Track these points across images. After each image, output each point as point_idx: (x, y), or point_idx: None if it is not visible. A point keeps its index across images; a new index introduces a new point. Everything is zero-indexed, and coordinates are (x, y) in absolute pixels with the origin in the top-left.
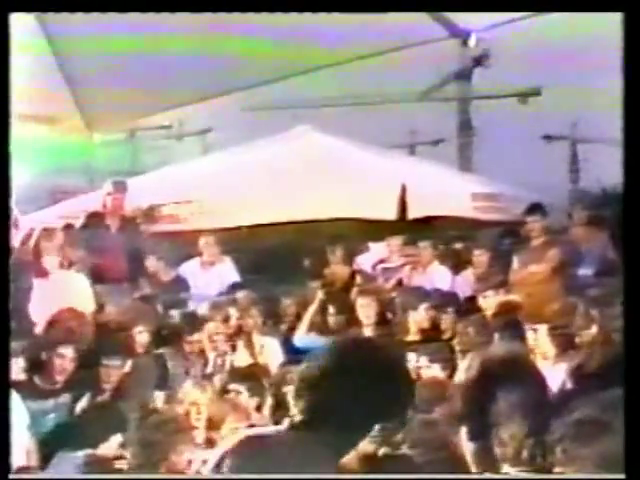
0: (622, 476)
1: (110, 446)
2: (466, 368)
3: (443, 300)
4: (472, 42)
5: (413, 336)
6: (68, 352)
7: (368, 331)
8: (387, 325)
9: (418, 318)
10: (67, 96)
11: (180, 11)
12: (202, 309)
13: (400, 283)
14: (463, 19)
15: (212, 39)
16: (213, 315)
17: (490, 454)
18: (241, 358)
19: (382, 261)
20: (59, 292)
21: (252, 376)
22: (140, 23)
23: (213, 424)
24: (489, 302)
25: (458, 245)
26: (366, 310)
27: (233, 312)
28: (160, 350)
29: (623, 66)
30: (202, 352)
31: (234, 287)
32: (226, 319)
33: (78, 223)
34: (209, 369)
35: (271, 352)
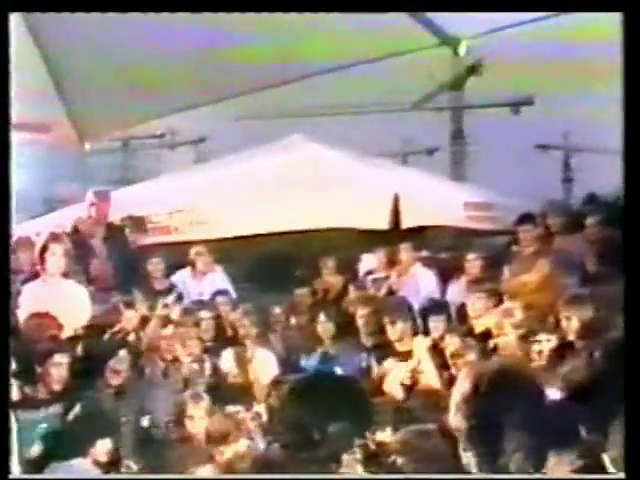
0: (622, 476)
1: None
2: (459, 383)
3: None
4: (462, 50)
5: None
6: (64, 360)
7: (365, 340)
8: (383, 334)
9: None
10: (58, 104)
11: (174, 11)
12: (176, 314)
13: (391, 291)
14: (454, 27)
15: (205, 46)
16: (188, 320)
17: (489, 466)
18: (229, 367)
19: (370, 272)
20: (55, 299)
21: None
22: (132, 31)
23: (214, 440)
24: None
25: (450, 254)
26: (363, 319)
27: (209, 321)
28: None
29: (623, 66)
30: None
31: (223, 295)
32: (214, 324)
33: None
34: (185, 374)
35: (263, 363)
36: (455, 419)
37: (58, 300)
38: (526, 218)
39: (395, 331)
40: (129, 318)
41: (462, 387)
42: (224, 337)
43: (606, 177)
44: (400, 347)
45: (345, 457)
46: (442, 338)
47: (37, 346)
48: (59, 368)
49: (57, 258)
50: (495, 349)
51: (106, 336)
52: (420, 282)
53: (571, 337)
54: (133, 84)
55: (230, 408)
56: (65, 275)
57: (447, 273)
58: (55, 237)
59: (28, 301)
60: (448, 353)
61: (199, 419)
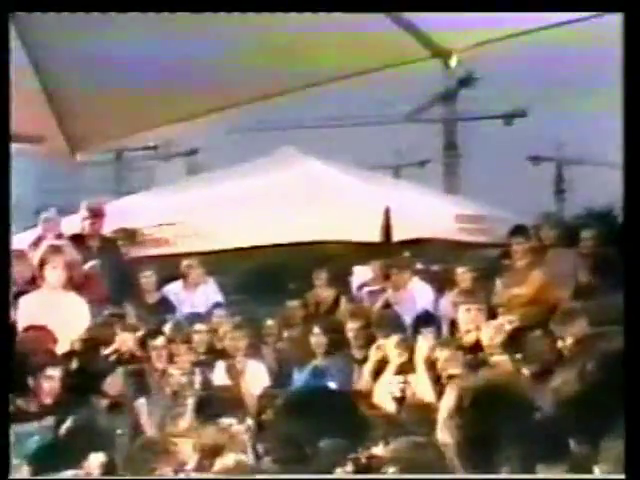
0: (622, 476)
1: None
2: (445, 398)
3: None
4: (453, 62)
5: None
6: (55, 373)
7: (356, 353)
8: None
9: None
10: (49, 115)
11: (173, 11)
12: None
13: (387, 304)
14: (446, 39)
15: (198, 58)
16: (177, 333)
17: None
18: (220, 379)
19: (366, 284)
20: (53, 312)
21: (235, 402)
22: (125, 42)
23: (208, 453)
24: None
25: (442, 267)
26: (354, 333)
27: (202, 330)
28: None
29: (623, 67)
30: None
31: (216, 308)
32: (192, 337)
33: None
34: (175, 388)
35: (254, 375)
36: (442, 434)
37: (56, 313)
38: (518, 230)
39: (388, 344)
40: (124, 339)
41: (448, 402)
42: (216, 350)
43: (599, 189)
44: (391, 360)
45: (338, 471)
46: (432, 351)
47: (30, 359)
48: (51, 381)
49: (57, 270)
50: (485, 362)
51: (101, 356)
52: (417, 296)
53: (564, 350)
54: (126, 95)
55: (223, 421)
56: (65, 287)
57: (439, 286)
58: (54, 249)
59: (24, 313)
60: (437, 366)
61: (183, 437)
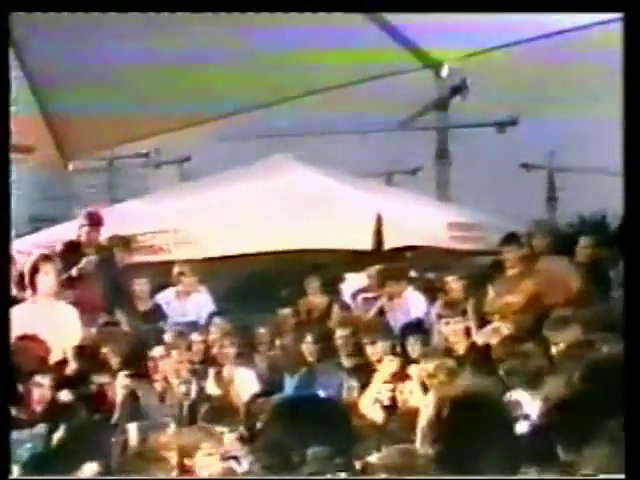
0: (622, 476)
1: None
2: (424, 408)
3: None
4: (444, 72)
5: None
6: (45, 381)
7: (345, 361)
8: (363, 355)
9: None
10: (40, 123)
11: (173, 11)
12: (168, 337)
13: (382, 312)
14: (437, 48)
15: (190, 67)
16: (178, 343)
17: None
18: (212, 388)
19: (362, 291)
20: (45, 321)
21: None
22: (117, 51)
23: (186, 452)
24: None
25: (433, 275)
26: (342, 340)
27: (198, 339)
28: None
29: (623, 66)
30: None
31: (209, 316)
32: (191, 346)
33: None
34: (175, 397)
35: (243, 383)
36: (422, 445)
37: (48, 322)
38: (511, 238)
39: (375, 351)
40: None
41: (426, 413)
42: (209, 358)
43: (591, 197)
44: (380, 368)
45: (327, 477)
46: (420, 359)
47: (23, 368)
48: (43, 389)
49: (49, 279)
50: (475, 370)
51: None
52: (411, 305)
53: (555, 358)
54: (118, 104)
55: (215, 429)
56: (56, 296)
57: (431, 294)
58: (46, 257)
59: (14, 322)
60: (425, 374)
61: (174, 445)
